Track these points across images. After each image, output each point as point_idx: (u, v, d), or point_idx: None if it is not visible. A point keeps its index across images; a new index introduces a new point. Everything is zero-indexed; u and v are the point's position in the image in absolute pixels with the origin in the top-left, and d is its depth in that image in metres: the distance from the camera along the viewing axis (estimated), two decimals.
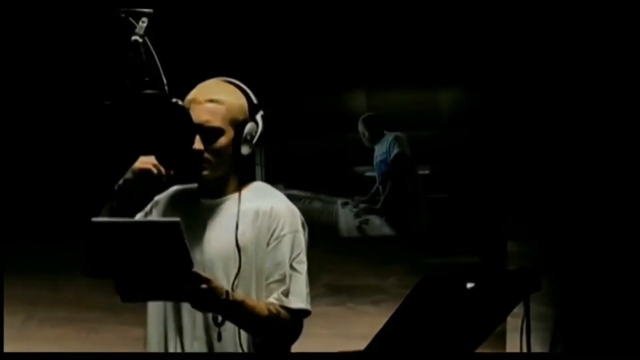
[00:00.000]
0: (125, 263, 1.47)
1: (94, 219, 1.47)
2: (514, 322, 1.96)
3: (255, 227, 1.77)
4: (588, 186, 3.67)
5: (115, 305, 1.80)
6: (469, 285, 1.61)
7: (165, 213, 1.84)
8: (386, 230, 4.85)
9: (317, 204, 4.98)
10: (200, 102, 1.74)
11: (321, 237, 4.41)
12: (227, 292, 1.61)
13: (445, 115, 5.07)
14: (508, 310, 1.81)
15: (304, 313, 1.78)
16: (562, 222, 3.76)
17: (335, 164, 5.08)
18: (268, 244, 1.77)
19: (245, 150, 1.77)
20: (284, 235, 1.77)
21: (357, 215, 4.93)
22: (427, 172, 5.05)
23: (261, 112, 1.80)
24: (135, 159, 1.71)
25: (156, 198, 1.90)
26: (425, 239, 4.74)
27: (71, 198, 4.07)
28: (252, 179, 1.87)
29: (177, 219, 1.47)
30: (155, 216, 1.83)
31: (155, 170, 1.68)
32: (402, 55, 4.72)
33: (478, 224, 4.46)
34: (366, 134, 4.94)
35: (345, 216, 4.97)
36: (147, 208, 1.89)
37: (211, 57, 3.97)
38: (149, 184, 1.72)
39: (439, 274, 1.70)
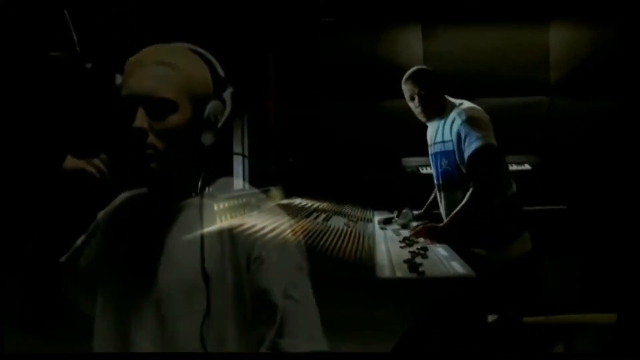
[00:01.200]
0: None
1: None
2: None
3: (228, 244, 1.54)
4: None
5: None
6: (491, 317, 1.42)
7: (113, 231, 1.65)
8: (457, 267, 2.99)
9: (337, 222, 3.21)
10: (145, 65, 1.50)
11: (347, 280, 3.50)
12: None
13: (557, 73, 4.24)
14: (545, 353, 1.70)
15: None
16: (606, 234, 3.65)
17: (369, 153, 4.12)
18: (248, 266, 1.51)
19: (207, 137, 1.54)
20: (269, 252, 1.51)
21: (407, 241, 3.10)
22: (526, 167, 4.15)
23: (230, 89, 1.60)
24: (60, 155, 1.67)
25: (99, 215, 1.72)
26: (523, 282, 3.25)
27: None
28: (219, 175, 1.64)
29: None
30: (99, 238, 1.69)
31: (92, 168, 1.60)
32: None
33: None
34: (417, 100, 3.35)
35: (388, 243, 3.14)
36: (90, 229, 1.72)
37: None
38: (92, 188, 1.64)
39: (453, 299, 1.44)
